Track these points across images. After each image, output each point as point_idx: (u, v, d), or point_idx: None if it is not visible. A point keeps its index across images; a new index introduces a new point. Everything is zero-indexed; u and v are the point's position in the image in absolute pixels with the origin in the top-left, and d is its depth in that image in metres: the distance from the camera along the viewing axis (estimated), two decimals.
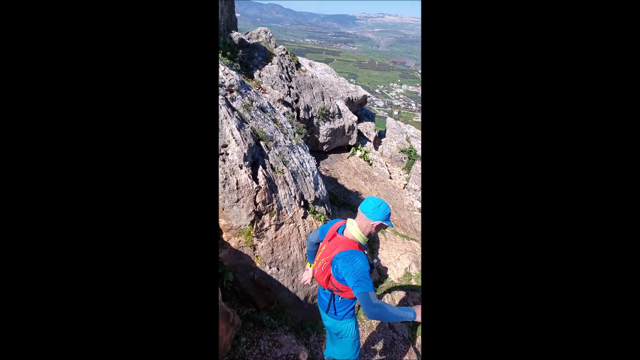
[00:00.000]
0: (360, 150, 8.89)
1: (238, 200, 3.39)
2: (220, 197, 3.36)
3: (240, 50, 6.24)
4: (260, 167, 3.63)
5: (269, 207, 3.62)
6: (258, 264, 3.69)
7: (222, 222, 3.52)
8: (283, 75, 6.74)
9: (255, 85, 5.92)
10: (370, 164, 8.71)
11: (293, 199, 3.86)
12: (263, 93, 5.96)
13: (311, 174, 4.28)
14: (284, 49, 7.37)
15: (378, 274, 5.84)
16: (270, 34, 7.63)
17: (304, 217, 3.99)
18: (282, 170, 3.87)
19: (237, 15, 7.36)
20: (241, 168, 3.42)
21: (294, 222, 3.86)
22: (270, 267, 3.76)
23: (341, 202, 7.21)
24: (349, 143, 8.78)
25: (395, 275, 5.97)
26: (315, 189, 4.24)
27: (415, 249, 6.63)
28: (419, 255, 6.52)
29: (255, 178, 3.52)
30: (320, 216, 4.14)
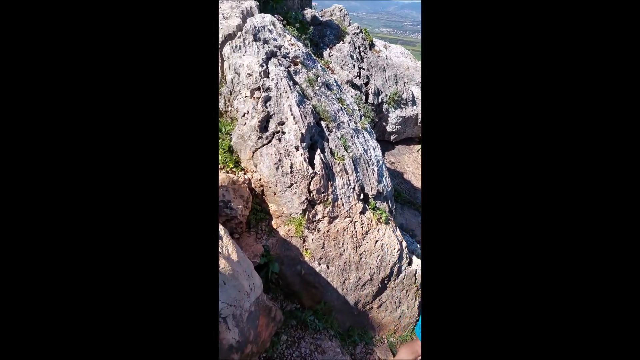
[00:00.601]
0: None
1: (291, 185, 3.03)
2: (272, 180, 3.04)
3: (312, 28, 5.85)
4: (318, 150, 3.20)
5: (324, 196, 3.19)
6: (306, 258, 3.31)
7: (273, 207, 3.21)
8: (354, 55, 6.19)
9: (323, 65, 5.51)
10: None
11: (351, 190, 3.37)
12: (331, 74, 5.51)
13: (375, 164, 3.72)
14: (358, 27, 6.78)
15: None
16: (345, 12, 7.10)
17: (362, 212, 3.47)
18: (343, 156, 3.38)
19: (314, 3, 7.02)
20: (297, 150, 3.04)
21: (349, 217, 3.37)
22: (319, 264, 3.36)
23: (405, 199, 6.49)
24: (421, 135, 7.90)
25: None
26: (379, 182, 3.68)
27: None
28: None
29: (311, 162, 3.11)
30: (381, 214, 3.58)
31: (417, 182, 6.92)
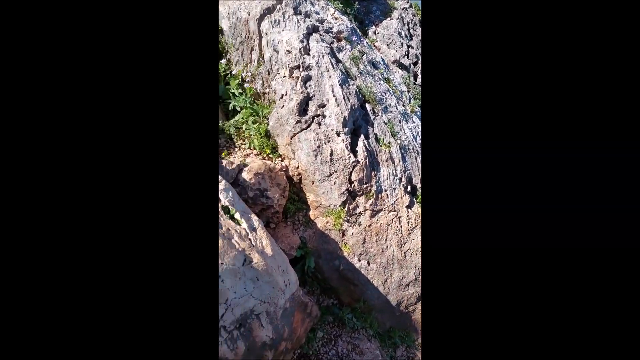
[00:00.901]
0: None
1: (330, 174, 2.78)
2: (310, 168, 2.81)
3: (357, 3, 5.40)
4: (362, 136, 2.89)
5: (366, 187, 2.89)
6: (345, 253, 3.07)
7: (310, 197, 2.99)
8: (402, 32, 5.65)
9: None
10: None
11: (397, 181, 3.02)
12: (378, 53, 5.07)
13: None
14: (408, 2, 6.17)
15: None
16: None
17: (409, 206, 3.12)
18: (389, 143, 3.03)
19: None
20: (338, 135, 2.75)
21: (394, 211, 3.05)
22: (359, 260, 3.10)
23: None
24: None
25: None
26: None
27: None
28: None
29: (353, 150, 2.82)
30: None
31: None
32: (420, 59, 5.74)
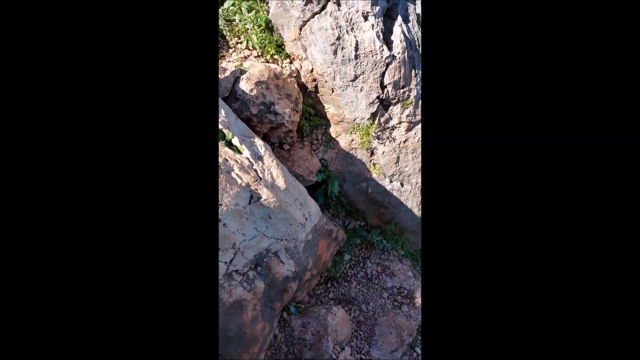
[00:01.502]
0: None
1: (356, 77, 2.09)
2: (328, 70, 2.11)
3: None
4: (399, 19, 2.05)
5: (404, 93, 2.20)
6: (375, 175, 2.61)
7: (330, 110, 2.38)
8: None
9: None
10: None
11: None
12: None
13: None
14: None
15: None
16: None
17: None
18: None
19: None
20: (366, 19, 1.95)
21: None
22: (391, 181, 2.64)
23: None
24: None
25: None
26: None
27: None
28: None
29: (387, 40, 2.03)
30: None
31: None
32: None
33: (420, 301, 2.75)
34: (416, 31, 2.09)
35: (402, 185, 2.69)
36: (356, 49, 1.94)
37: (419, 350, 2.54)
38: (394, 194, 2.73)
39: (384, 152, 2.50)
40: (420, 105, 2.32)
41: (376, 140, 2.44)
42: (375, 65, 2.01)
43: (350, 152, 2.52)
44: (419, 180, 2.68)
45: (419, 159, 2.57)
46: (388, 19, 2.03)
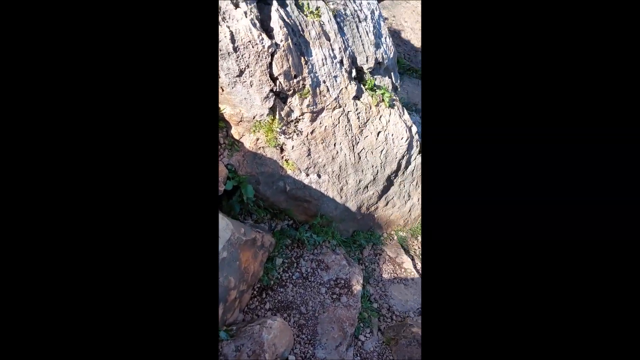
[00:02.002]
0: None
1: (241, 72, 1.91)
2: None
3: None
4: (277, 5, 1.92)
5: (298, 83, 2.10)
6: (289, 171, 2.49)
7: (227, 110, 2.17)
8: None
9: None
10: None
11: (338, 65, 2.24)
12: None
13: (369, 17, 2.44)
14: None
15: None
16: None
17: (357, 96, 2.44)
18: (318, 9, 2.11)
19: None
20: (237, 6, 1.77)
21: (340, 107, 2.37)
22: (307, 175, 2.56)
23: (405, 66, 5.24)
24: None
25: None
26: (376, 46, 2.49)
27: None
28: None
29: (266, 27, 1.89)
30: (383, 94, 2.54)
31: (417, 41, 5.49)
32: None
33: (358, 288, 2.75)
34: (297, 15, 1.99)
35: (319, 176, 2.62)
36: (232, 40, 1.76)
37: (362, 337, 2.54)
38: (313, 187, 2.65)
39: (293, 147, 2.39)
40: (319, 93, 2.25)
41: (282, 135, 2.31)
42: (259, 56, 1.86)
43: (258, 152, 2.35)
44: (335, 168, 2.64)
45: (331, 147, 2.52)
46: (263, 4, 1.88)
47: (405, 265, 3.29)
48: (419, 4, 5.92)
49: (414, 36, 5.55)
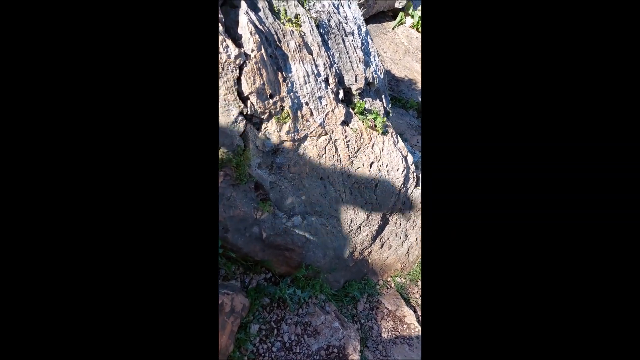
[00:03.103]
0: (412, 17, 6.11)
1: None
2: None
3: None
4: (246, 7, 1.53)
5: (274, 104, 1.68)
6: (266, 213, 1.99)
7: None
8: None
9: None
10: None
11: (322, 84, 1.85)
12: None
13: (356, 33, 2.12)
14: None
15: None
16: None
17: (346, 122, 2.04)
18: (298, 17, 1.74)
19: None
20: None
21: (326, 134, 1.95)
22: (289, 217, 2.06)
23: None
24: (395, 6, 6.01)
25: None
26: (366, 64, 2.14)
27: None
28: None
29: (233, 36, 1.49)
30: (375, 119, 2.16)
31: (398, 70, 5.37)
32: None
33: (356, 358, 2.18)
34: (272, 22, 1.60)
35: (303, 218, 2.13)
36: None
37: None
38: (297, 231, 2.15)
39: (270, 183, 1.91)
40: (301, 118, 1.83)
41: (257, 169, 1.83)
42: (222, 69, 1.42)
43: (226, 191, 1.85)
44: (322, 207, 2.17)
45: (317, 183, 2.07)
46: (229, 8, 1.49)
47: (407, 319, 2.76)
48: (398, 34, 5.91)
49: (394, 66, 5.44)
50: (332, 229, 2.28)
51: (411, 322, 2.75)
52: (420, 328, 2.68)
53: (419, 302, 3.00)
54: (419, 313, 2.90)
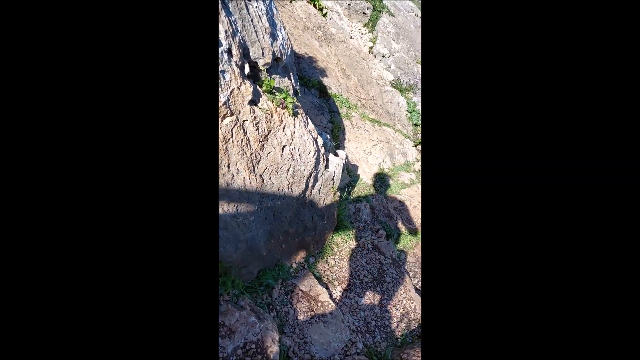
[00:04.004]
0: None
1: None
2: None
3: None
4: None
5: None
6: None
7: None
8: None
9: None
10: (325, 15, 6.02)
11: (225, 56, 1.57)
12: None
13: (262, 1, 1.86)
14: None
15: (348, 175, 4.33)
16: None
17: (254, 101, 1.82)
18: None
19: None
20: None
21: (232, 114, 1.70)
22: None
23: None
24: None
25: (367, 173, 4.56)
26: (273, 37, 1.93)
27: (389, 138, 5.14)
28: (394, 146, 5.10)
29: None
30: (285, 98, 2.00)
31: (298, 47, 5.23)
32: None
33: (275, 349, 2.11)
34: None
35: None
36: None
37: None
38: None
39: None
40: None
41: None
42: None
43: None
44: (231, 197, 1.94)
45: (224, 170, 1.81)
46: None
47: (320, 297, 2.84)
48: (296, 8, 5.70)
49: (293, 41, 5.27)
50: (244, 219, 2.08)
51: (324, 300, 2.83)
52: (333, 304, 2.79)
53: (331, 279, 3.12)
54: (332, 290, 3.02)
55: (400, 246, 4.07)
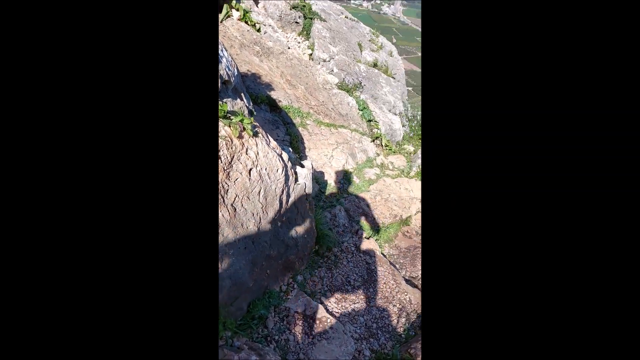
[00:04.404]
0: (238, 9, 5.90)
1: None
2: None
3: None
4: None
5: None
6: None
7: None
8: None
9: None
10: (259, 30, 5.97)
11: None
12: None
13: None
14: None
15: (317, 183, 4.29)
16: None
17: None
18: None
19: None
20: None
21: None
22: None
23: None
24: None
25: (333, 177, 4.55)
26: (219, 58, 1.83)
27: (346, 138, 5.19)
28: (354, 145, 5.17)
29: None
30: (243, 121, 1.91)
31: (238, 65, 5.12)
32: None
33: None
34: None
35: None
36: None
37: None
38: None
39: None
40: None
41: None
42: None
43: None
44: None
45: None
46: None
47: (317, 314, 2.74)
48: (228, 27, 5.59)
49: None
50: (223, 255, 1.93)
51: (322, 316, 2.74)
52: (332, 319, 2.71)
53: (322, 292, 3.04)
54: (326, 303, 2.93)
55: (380, 241, 4.10)
